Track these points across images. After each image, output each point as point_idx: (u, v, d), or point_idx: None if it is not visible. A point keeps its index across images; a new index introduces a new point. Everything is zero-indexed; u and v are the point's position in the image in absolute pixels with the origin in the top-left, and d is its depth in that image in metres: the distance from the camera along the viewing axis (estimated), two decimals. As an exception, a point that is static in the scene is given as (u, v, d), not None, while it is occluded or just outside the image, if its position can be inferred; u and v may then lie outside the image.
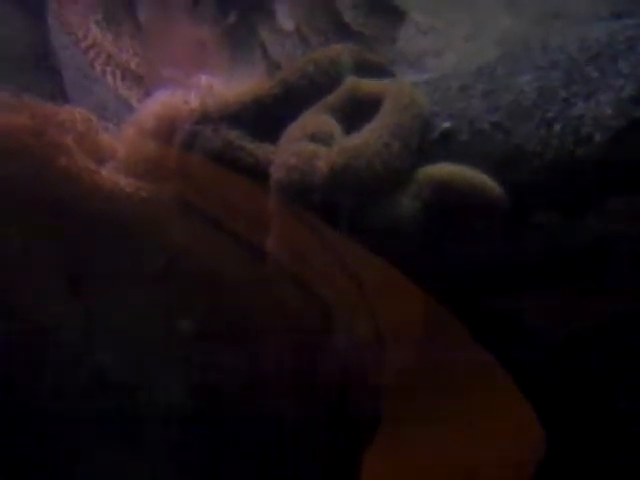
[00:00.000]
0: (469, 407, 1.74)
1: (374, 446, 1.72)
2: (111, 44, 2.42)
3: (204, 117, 1.81)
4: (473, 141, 1.73)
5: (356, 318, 1.73)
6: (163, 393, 1.73)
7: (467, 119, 1.75)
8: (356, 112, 1.79)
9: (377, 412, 1.73)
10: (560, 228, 1.68)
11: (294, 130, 1.77)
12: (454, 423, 1.74)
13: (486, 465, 1.74)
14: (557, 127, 1.69)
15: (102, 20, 2.47)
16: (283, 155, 1.73)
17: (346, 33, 2.39)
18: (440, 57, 2.32)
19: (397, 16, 2.39)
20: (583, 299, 1.73)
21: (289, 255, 1.73)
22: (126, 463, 1.74)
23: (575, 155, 1.67)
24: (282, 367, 1.74)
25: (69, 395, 1.73)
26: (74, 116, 1.84)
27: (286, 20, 2.41)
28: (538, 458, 1.74)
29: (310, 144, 1.72)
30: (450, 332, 1.70)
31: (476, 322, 1.71)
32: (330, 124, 1.77)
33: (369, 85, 1.82)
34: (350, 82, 1.82)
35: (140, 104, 2.06)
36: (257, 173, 1.75)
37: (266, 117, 1.83)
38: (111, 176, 1.79)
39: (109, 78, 2.38)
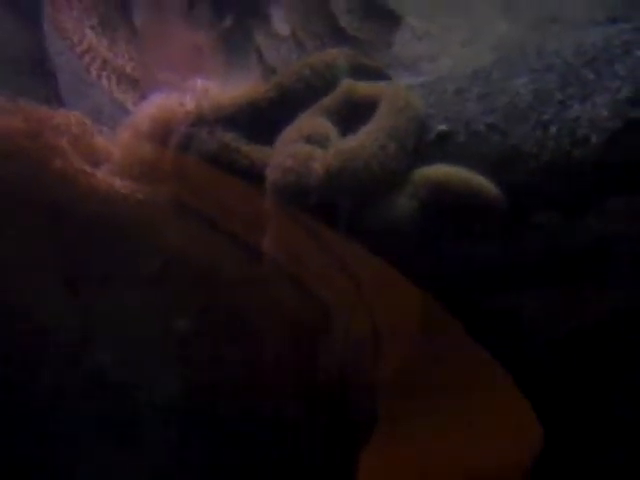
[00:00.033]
0: (467, 406, 1.74)
1: (371, 445, 1.72)
2: (106, 49, 2.42)
3: (200, 119, 1.81)
4: (469, 143, 1.73)
5: (354, 318, 1.73)
6: (160, 393, 1.72)
7: (463, 121, 1.75)
8: (352, 114, 1.79)
9: (374, 411, 1.72)
10: (559, 228, 1.68)
11: (290, 132, 1.77)
12: (452, 422, 1.73)
13: (484, 463, 1.74)
14: (553, 129, 1.70)
15: (97, 25, 2.47)
16: (279, 157, 1.73)
17: (342, 37, 2.39)
18: (436, 61, 2.32)
19: (393, 21, 2.39)
20: (583, 297, 1.73)
21: (285, 256, 1.73)
22: (124, 462, 1.74)
23: (572, 156, 1.68)
24: (279, 366, 1.74)
25: (67, 395, 1.73)
26: (69, 119, 1.84)
27: (282, 25, 2.41)
28: (535, 455, 1.73)
29: (306, 146, 1.72)
30: (448, 331, 1.70)
31: (474, 321, 1.71)
32: (326, 126, 1.77)
33: (365, 88, 1.82)
34: (346, 85, 1.82)
35: (136, 107, 2.06)
36: (253, 175, 1.75)
37: (262, 120, 1.83)
38: (107, 178, 1.78)
39: (104, 82, 2.38)
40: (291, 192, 1.69)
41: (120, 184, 1.78)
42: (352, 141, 1.71)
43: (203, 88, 1.89)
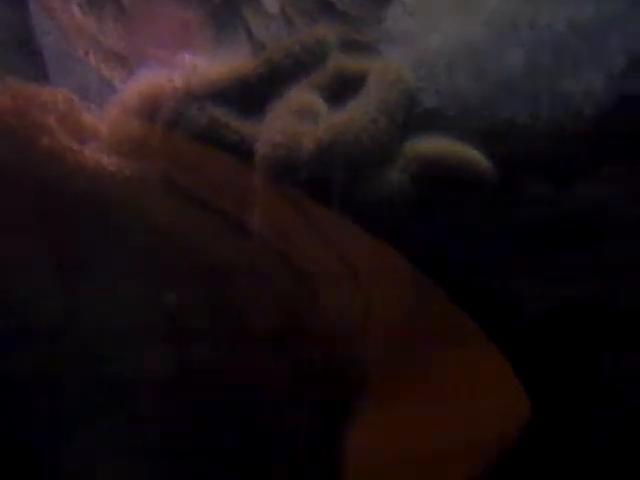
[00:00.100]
0: (452, 376, 1.74)
1: (357, 424, 1.72)
2: (94, 27, 2.40)
3: (188, 95, 1.79)
4: (460, 116, 1.73)
5: (342, 294, 1.72)
6: (146, 368, 1.72)
7: (454, 95, 1.74)
8: (342, 90, 1.78)
9: (362, 385, 1.72)
10: (551, 199, 1.68)
11: (279, 107, 1.76)
12: (437, 392, 1.74)
13: (469, 434, 1.74)
14: (546, 102, 1.69)
15: (85, 4, 2.45)
16: (269, 132, 1.72)
17: (332, 14, 2.37)
18: (427, 36, 2.30)
19: (383, -4, 2.37)
20: (571, 267, 1.73)
21: (274, 232, 1.73)
22: (109, 438, 1.73)
23: (565, 129, 1.67)
24: (267, 343, 1.73)
25: (50, 368, 1.72)
26: (56, 97, 1.82)
27: (271, 1, 2.40)
28: (522, 426, 1.74)
29: (296, 121, 1.71)
30: (437, 304, 1.70)
31: (463, 293, 1.70)
32: (316, 101, 1.76)
33: (355, 64, 1.81)
34: (336, 60, 1.81)
35: (124, 84, 2.04)
36: (243, 151, 1.74)
37: (251, 96, 1.81)
38: (94, 155, 1.77)
39: (92, 60, 2.36)
40: (281, 167, 1.68)
41: (108, 161, 1.76)
42: (342, 115, 1.70)
43: (192, 64, 1.88)
